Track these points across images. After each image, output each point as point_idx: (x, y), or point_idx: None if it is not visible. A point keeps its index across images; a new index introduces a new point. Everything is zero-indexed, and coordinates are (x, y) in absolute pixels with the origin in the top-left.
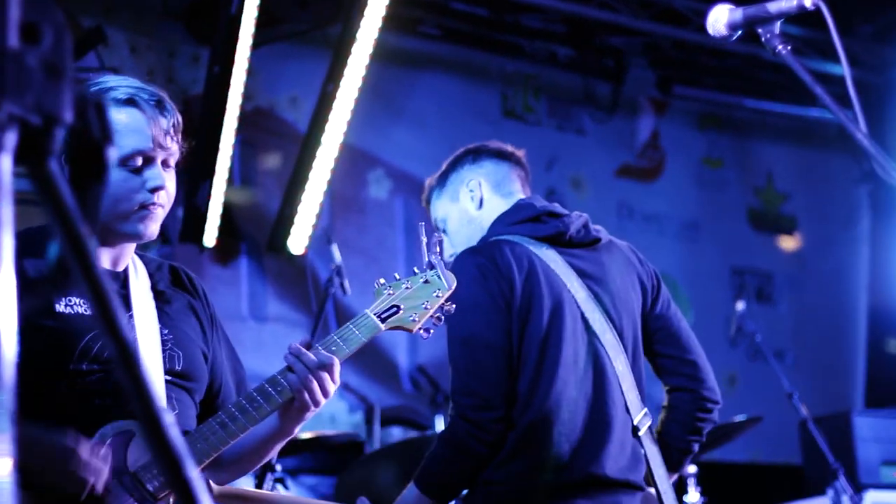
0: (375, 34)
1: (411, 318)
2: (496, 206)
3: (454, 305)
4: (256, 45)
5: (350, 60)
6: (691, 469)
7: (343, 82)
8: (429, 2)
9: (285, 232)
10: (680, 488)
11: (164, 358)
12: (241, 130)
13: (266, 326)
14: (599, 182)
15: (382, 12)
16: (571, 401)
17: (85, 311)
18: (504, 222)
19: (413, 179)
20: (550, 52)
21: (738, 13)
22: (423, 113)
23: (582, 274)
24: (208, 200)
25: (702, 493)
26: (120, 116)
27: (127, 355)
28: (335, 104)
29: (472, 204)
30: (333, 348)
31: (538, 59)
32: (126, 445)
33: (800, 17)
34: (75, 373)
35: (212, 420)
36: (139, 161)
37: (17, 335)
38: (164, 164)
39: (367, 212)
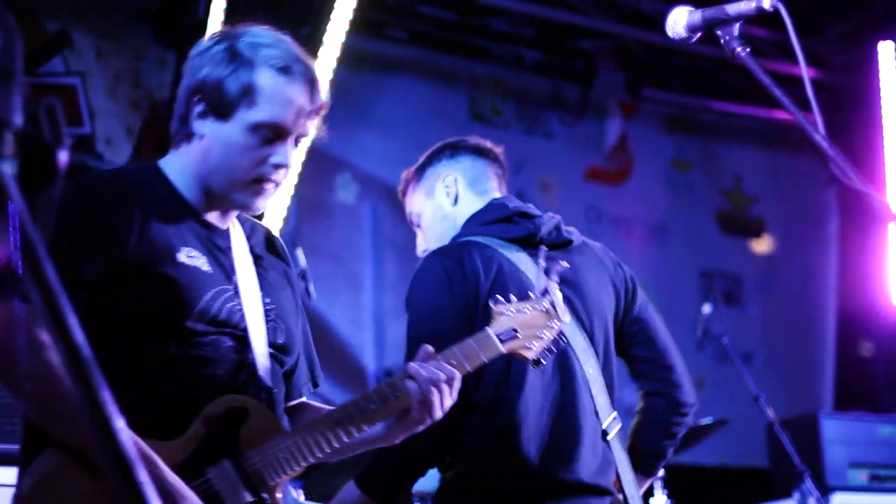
0: (343, 38)
1: (528, 346)
2: (471, 203)
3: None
4: None
5: (318, 64)
6: (658, 472)
7: None
8: (396, 5)
9: None
10: (647, 491)
11: (267, 330)
12: None
13: None
14: (568, 185)
15: (350, 16)
16: (539, 406)
17: (205, 265)
18: (476, 222)
19: (381, 183)
20: (518, 55)
21: (697, 15)
22: (391, 117)
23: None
24: None
25: (668, 496)
26: (268, 81)
27: (76, 358)
28: None
29: (448, 200)
30: (454, 362)
31: (506, 62)
32: (239, 426)
33: (767, 20)
34: (189, 332)
35: (326, 417)
36: (271, 134)
37: (133, 281)
38: (294, 141)
39: (335, 216)
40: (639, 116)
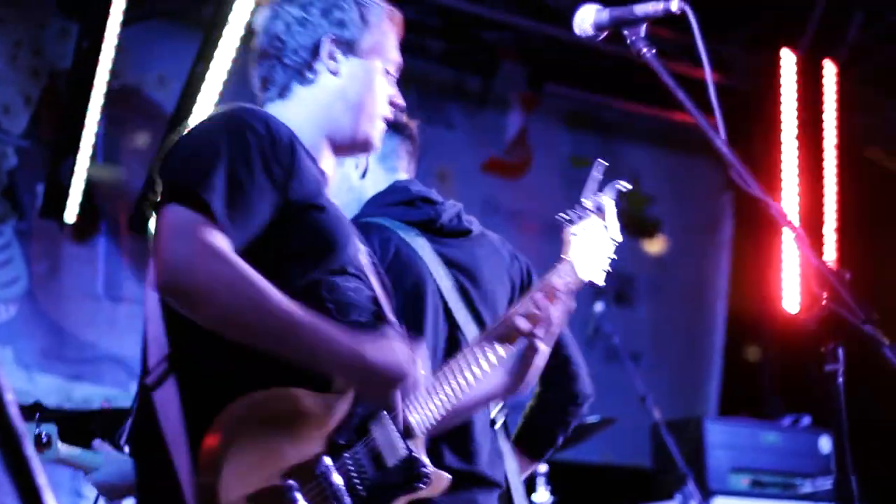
0: (248, 17)
1: (594, 271)
2: (378, 179)
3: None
4: (128, 22)
5: (221, 42)
6: (542, 468)
7: (213, 64)
8: None
9: (148, 212)
10: (529, 487)
11: (375, 274)
12: (107, 108)
13: (121, 307)
14: (465, 176)
15: None
16: None
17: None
18: (377, 203)
19: None
20: (422, 44)
21: (605, 14)
22: None
23: (450, 263)
24: (71, 176)
25: (551, 493)
26: (389, 28)
27: None
28: (204, 86)
29: (356, 172)
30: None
31: (410, 51)
32: None
33: (672, 21)
34: (340, 272)
35: (452, 363)
36: (393, 72)
37: (292, 214)
38: None
39: None
40: (539, 111)
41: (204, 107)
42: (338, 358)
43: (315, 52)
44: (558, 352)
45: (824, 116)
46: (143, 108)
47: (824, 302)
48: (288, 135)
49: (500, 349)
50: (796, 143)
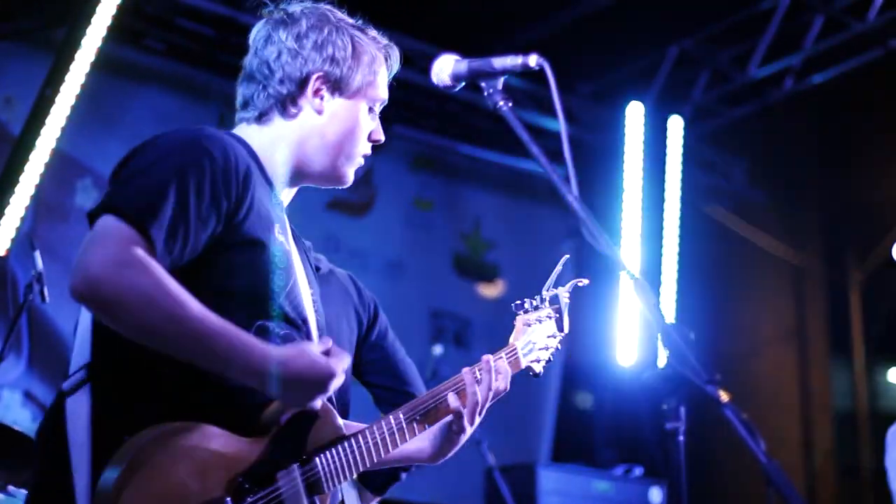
0: (99, 43)
1: (537, 360)
2: None
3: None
4: None
5: (72, 66)
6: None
7: (63, 88)
8: (156, 16)
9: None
10: None
11: (317, 318)
12: None
13: None
14: (309, 212)
15: (108, 22)
16: None
17: (287, 245)
18: None
19: None
20: None
21: (464, 65)
22: (140, 126)
23: None
24: None
25: None
26: (380, 62)
27: None
28: (52, 109)
29: None
30: (501, 372)
31: None
32: (309, 428)
33: (524, 71)
34: (277, 315)
35: (377, 424)
36: (378, 110)
37: (232, 248)
38: None
39: (72, 220)
40: (386, 151)
41: (51, 130)
42: (254, 363)
43: (302, 86)
44: (400, 389)
45: (668, 171)
46: None
47: (666, 361)
48: (245, 165)
49: (425, 423)
50: (640, 195)
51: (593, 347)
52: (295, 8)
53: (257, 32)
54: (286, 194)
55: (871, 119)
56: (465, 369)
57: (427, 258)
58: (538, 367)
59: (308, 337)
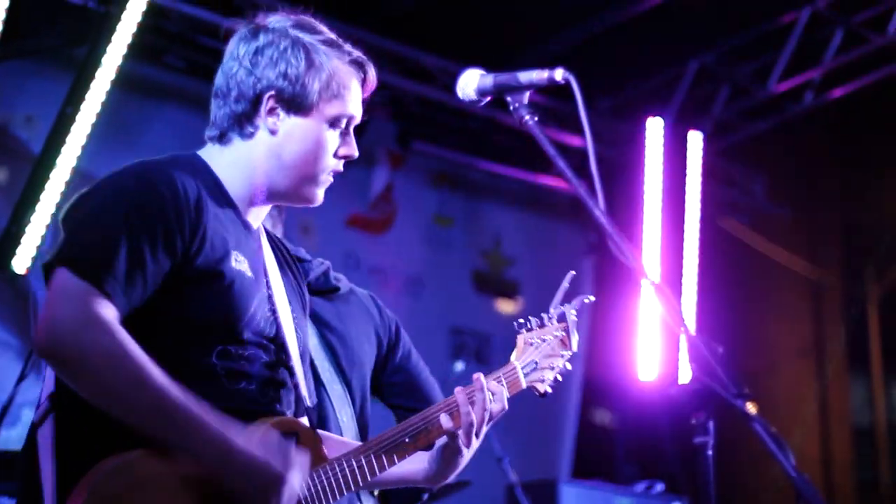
0: (120, 61)
1: (542, 380)
2: None
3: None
4: None
5: (93, 85)
6: None
7: (83, 106)
8: (176, 33)
9: (10, 250)
10: None
11: (297, 337)
12: None
13: None
14: (329, 230)
15: (129, 40)
16: None
17: (248, 271)
18: None
19: None
20: None
21: (489, 80)
22: (161, 145)
23: (316, 321)
24: None
25: None
26: (343, 74)
27: None
28: (73, 128)
29: None
30: (496, 393)
31: None
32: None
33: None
34: (236, 339)
35: (363, 447)
36: (344, 125)
37: (191, 283)
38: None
39: None
40: (406, 168)
41: (71, 148)
42: (206, 451)
43: (256, 104)
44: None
45: (688, 186)
46: (9, 147)
47: (693, 375)
48: (195, 195)
49: (416, 445)
50: (660, 210)
51: (614, 363)
52: (265, 21)
53: (228, 46)
54: (255, 213)
55: (892, 133)
56: (458, 389)
57: (447, 275)
58: (542, 387)
59: (282, 353)
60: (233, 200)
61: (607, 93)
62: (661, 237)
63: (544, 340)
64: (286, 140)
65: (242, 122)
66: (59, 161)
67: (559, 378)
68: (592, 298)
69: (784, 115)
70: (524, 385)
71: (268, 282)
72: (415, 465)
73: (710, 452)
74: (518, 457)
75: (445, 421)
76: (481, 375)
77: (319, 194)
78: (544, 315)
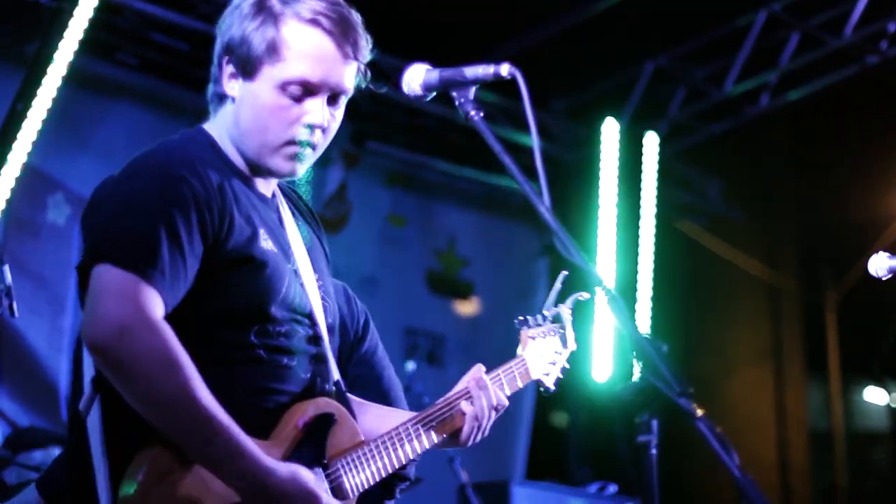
0: (71, 57)
1: (547, 374)
2: None
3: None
4: None
5: (44, 81)
6: None
7: (34, 102)
8: (129, 30)
9: None
10: None
11: (325, 311)
12: None
13: None
14: None
15: (80, 36)
16: None
17: (274, 247)
18: None
19: None
20: None
21: (435, 74)
22: (112, 142)
23: None
24: None
25: None
26: (294, 34)
27: None
28: (24, 124)
29: None
30: (507, 384)
31: None
32: (327, 432)
33: (496, 84)
34: (272, 319)
35: (399, 429)
36: (300, 90)
37: (219, 269)
38: (332, 100)
39: (43, 236)
40: (360, 167)
41: (22, 145)
42: (240, 483)
43: (220, 68)
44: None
45: (643, 187)
46: None
47: (639, 373)
48: (217, 179)
49: (442, 431)
50: (615, 212)
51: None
52: None
53: None
54: (263, 183)
55: (848, 136)
56: (471, 379)
57: (401, 275)
58: (548, 382)
59: (315, 327)
60: (245, 174)
61: (563, 94)
62: (617, 239)
63: (544, 336)
64: (240, 106)
65: (217, 88)
66: (9, 157)
67: (561, 376)
68: (587, 295)
69: (740, 118)
70: (534, 376)
71: (292, 254)
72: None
73: (653, 451)
74: (470, 457)
75: (467, 407)
76: (482, 370)
77: (290, 166)
78: (539, 316)
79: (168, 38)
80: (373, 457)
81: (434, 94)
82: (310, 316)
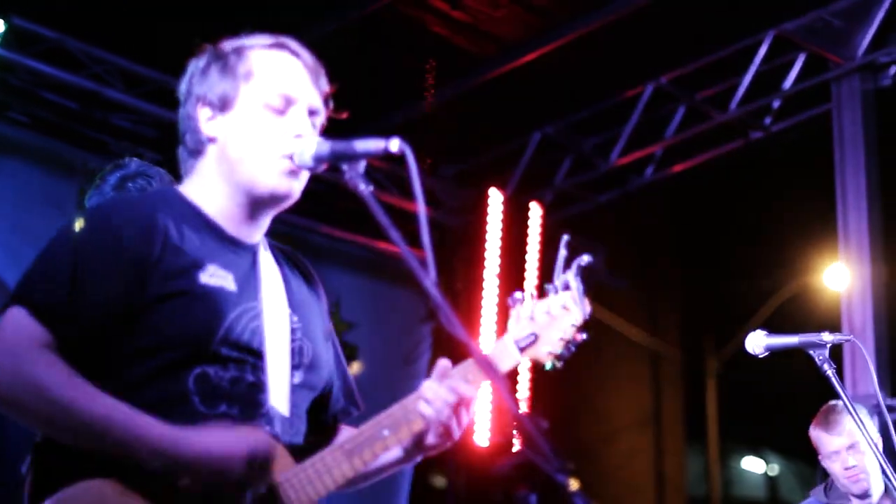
0: None
1: (548, 352)
2: None
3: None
4: None
5: None
6: None
7: None
8: (19, 87)
9: None
10: None
11: (292, 349)
12: None
13: None
14: None
15: None
16: None
17: (230, 284)
18: None
19: None
20: (137, 153)
21: (326, 147)
22: (1, 198)
23: None
24: None
25: None
26: (261, 58)
27: None
28: None
29: None
30: (471, 377)
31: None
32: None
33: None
34: (214, 357)
35: (338, 447)
36: (280, 103)
37: (151, 308)
38: (308, 112)
39: None
40: None
41: None
42: (153, 451)
43: (195, 122)
44: None
45: (528, 256)
46: None
47: (519, 448)
48: (145, 223)
49: (401, 434)
50: (498, 280)
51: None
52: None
53: None
54: (247, 229)
55: (731, 209)
56: (432, 386)
57: None
58: (547, 361)
59: (261, 371)
60: (212, 222)
61: (451, 161)
62: (500, 306)
63: (546, 312)
64: (227, 139)
65: (192, 144)
66: None
67: (571, 348)
68: (588, 258)
69: (625, 189)
70: (520, 359)
71: (259, 295)
72: (391, 454)
73: None
74: None
75: (425, 408)
76: (447, 364)
77: (287, 184)
78: (549, 286)
79: (58, 96)
80: (307, 477)
81: (324, 166)
82: (260, 355)
